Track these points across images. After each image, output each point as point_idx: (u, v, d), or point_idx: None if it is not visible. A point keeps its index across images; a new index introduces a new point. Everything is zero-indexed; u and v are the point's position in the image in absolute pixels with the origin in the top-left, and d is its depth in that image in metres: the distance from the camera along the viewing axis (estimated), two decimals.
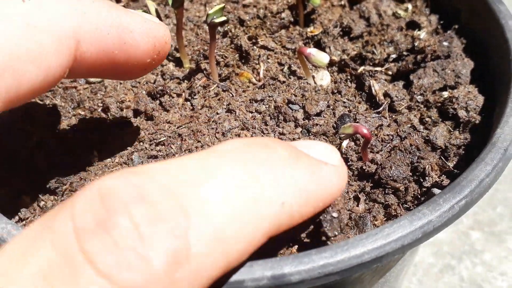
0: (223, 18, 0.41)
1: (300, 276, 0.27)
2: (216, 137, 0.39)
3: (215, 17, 0.41)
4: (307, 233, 0.33)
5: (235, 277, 0.27)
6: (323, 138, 0.39)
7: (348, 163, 0.37)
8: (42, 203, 0.37)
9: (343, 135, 0.36)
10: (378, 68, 0.44)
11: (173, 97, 0.43)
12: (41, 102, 0.44)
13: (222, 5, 0.41)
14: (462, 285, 0.70)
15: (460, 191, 0.30)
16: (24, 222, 0.36)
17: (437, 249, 0.74)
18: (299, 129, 0.40)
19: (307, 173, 0.26)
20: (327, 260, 0.27)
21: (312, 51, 0.41)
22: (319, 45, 0.47)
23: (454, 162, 0.37)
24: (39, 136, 0.41)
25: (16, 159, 0.40)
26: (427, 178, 0.35)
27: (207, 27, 0.50)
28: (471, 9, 0.47)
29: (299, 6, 0.49)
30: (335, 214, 0.32)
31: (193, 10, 0.52)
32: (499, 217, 0.78)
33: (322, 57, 0.41)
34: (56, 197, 0.37)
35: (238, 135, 0.39)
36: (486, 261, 0.73)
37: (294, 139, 0.39)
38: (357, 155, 0.37)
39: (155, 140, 0.40)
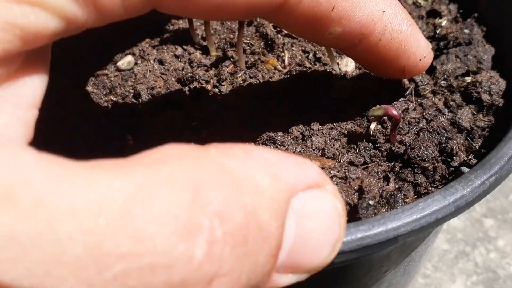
0: None
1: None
2: None
3: None
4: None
5: None
6: (351, 122, 0.40)
7: (377, 145, 0.38)
8: None
9: (372, 117, 0.37)
10: None
11: (202, 84, 0.45)
12: (73, 89, 0.45)
13: None
14: (476, 271, 0.71)
15: (490, 167, 0.31)
16: None
17: (451, 236, 0.75)
18: (326, 114, 0.41)
19: None
20: (365, 232, 0.29)
21: None
22: None
23: (479, 143, 0.38)
24: (73, 122, 0.42)
25: (52, 145, 0.41)
26: (454, 158, 0.36)
27: None
28: None
29: None
30: (371, 202, 0.33)
31: None
32: (511, 205, 0.80)
33: None
34: None
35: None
36: (499, 247, 0.74)
37: (322, 123, 0.40)
38: (384, 138, 0.39)
39: (187, 125, 0.41)
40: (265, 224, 0.21)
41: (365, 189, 0.33)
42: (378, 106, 0.36)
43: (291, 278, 0.24)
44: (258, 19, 0.49)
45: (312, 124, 0.40)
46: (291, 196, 0.23)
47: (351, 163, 0.37)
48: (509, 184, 0.82)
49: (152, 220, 0.18)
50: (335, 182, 0.35)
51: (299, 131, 0.39)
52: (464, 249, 0.74)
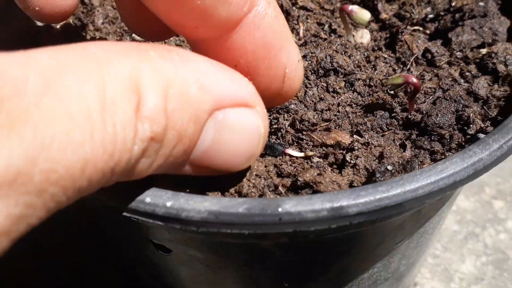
0: None
1: (358, 209, 0.28)
2: None
3: None
4: (360, 182, 0.34)
5: (295, 208, 0.28)
6: (369, 91, 0.40)
7: (393, 114, 0.38)
8: None
9: (391, 85, 0.37)
10: (417, 27, 0.45)
11: None
12: None
13: None
14: (486, 252, 0.71)
15: (508, 131, 0.31)
16: None
17: (460, 218, 0.75)
18: (342, 83, 0.41)
19: None
20: (383, 194, 0.29)
21: (354, 8, 0.42)
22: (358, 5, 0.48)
23: (496, 112, 0.38)
24: None
25: None
26: (471, 125, 0.36)
27: None
28: None
29: None
30: (389, 167, 0.33)
31: None
32: None
33: (363, 14, 0.42)
34: None
35: None
36: (509, 229, 0.74)
37: (336, 92, 0.40)
38: (400, 107, 0.39)
39: None
40: (183, 126, 0.25)
41: (385, 155, 0.33)
42: (397, 74, 0.36)
43: (205, 172, 0.29)
44: None
45: (329, 91, 0.40)
46: (215, 108, 0.26)
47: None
48: None
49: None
50: (356, 148, 0.35)
51: (313, 101, 0.39)
52: (473, 230, 0.74)
